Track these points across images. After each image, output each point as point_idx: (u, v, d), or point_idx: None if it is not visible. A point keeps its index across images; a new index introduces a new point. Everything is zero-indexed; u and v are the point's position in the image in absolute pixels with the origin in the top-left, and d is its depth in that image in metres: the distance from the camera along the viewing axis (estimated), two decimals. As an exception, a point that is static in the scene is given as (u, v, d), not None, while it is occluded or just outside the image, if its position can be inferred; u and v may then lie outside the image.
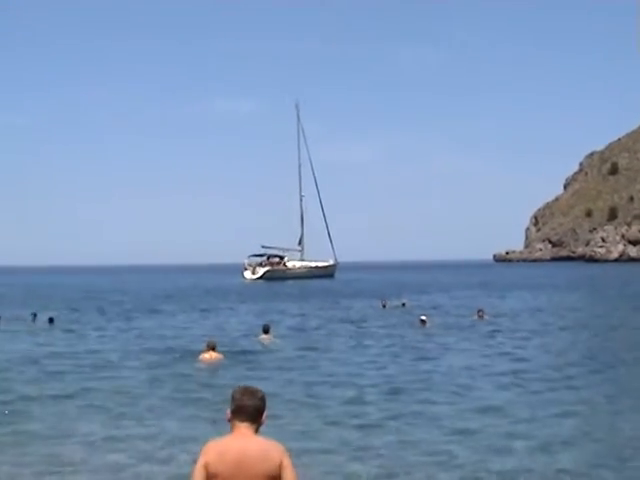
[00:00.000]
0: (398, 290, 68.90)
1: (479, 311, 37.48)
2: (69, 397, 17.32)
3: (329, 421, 14.73)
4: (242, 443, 5.52)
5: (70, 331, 33.35)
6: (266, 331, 28.48)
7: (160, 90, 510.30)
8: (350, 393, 17.57)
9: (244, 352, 24.96)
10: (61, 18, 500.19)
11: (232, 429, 5.63)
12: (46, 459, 12.16)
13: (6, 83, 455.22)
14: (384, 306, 45.93)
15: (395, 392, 17.88)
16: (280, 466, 5.50)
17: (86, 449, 12.76)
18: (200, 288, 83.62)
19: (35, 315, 37.92)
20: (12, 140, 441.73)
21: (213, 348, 22.24)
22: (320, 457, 12.08)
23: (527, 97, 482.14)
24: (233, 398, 5.67)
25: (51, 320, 35.81)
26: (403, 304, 45.76)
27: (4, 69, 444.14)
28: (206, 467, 5.48)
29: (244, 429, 5.59)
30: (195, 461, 5.51)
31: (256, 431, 5.63)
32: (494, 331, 31.79)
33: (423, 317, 34.01)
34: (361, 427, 14.24)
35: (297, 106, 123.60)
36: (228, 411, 5.64)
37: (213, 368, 21.46)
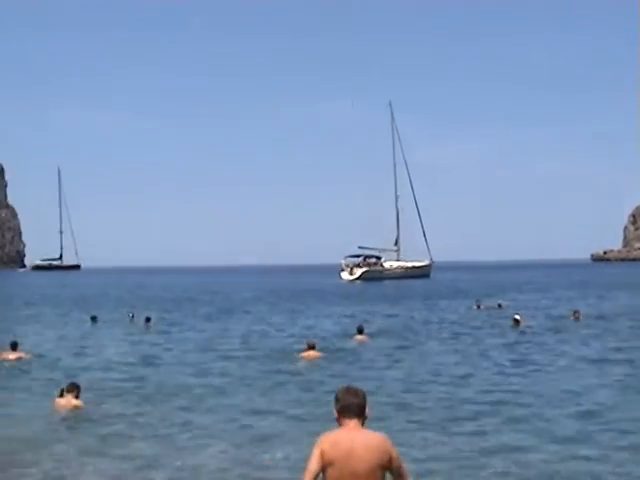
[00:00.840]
0: (494, 290, 68.38)
1: (575, 312, 36.95)
2: (173, 394, 17.71)
3: (421, 422, 14.58)
4: (353, 435, 6.05)
5: (166, 332, 33.71)
6: (360, 331, 29.13)
7: (260, 92, 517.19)
8: (441, 394, 17.55)
9: (340, 351, 25.61)
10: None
11: (341, 426, 6.18)
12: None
13: (138, 89, 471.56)
14: (479, 307, 45.56)
15: (491, 393, 17.76)
16: (390, 457, 6.08)
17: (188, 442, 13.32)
18: (298, 289, 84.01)
19: (133, 315, 38.70)
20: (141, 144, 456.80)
21: (313, 347, 23.21)
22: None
23: (623, 94, 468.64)
24: (337, 398, 6.24)
25: (148, 320, 36.27)
26: (499, 305, 45.13)
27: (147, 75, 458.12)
28: (322, 455, 6.00)
29: (352, 424, 6.11)
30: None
31: (362, 425, 6.15)
32: (591, 333, 31.00)
33: (517, 316, 33.70)
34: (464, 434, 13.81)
35: (391, 105, 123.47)
36: (334, 411, 6.23)
37: (313, 366, 22.07)
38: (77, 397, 15.51)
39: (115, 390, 18.50)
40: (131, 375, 21.02)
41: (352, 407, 6.17)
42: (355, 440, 6.01)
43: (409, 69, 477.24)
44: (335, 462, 5.98)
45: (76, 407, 15.33)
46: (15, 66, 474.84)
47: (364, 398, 6.26)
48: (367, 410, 6.24)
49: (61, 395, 15.51)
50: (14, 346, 23.54)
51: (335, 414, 6.24)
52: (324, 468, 6.01)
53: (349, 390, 6.30)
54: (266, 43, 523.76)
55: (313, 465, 6.01)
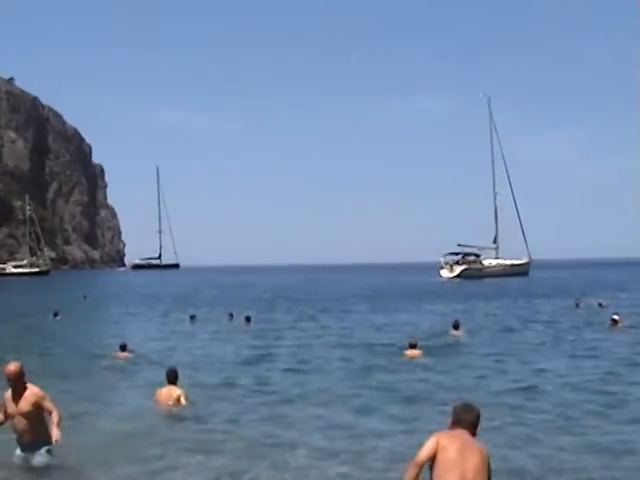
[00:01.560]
0: (594, 288, 67.14)
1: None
2: (288, 402, 16.90)
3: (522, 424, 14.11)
4: (465, 436, 6.67)
5: (266, 331, 33.47)
6: (456, 327, 29.68)
7: (355, 89, 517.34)
8: (551, 396, 17.13)
9: (438, 347, 25.79)
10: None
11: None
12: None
13: (228, 92, 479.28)
14: (577, 305, 44.73)
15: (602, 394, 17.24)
16: (488, 465, 6.64)
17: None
18: (398, 287, 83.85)
19: (232, 315, 38.73)
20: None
21: (414, 346, 23.52)
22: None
23: None
24: (454, 411, 6.87)
25: (248, 319, 36.42)
26: (599, 304, 43.96)
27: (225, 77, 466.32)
28: (438, 441, 6.57)
29: (464, 431, 6.75)
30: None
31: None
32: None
33: (615, 316, 32.83)
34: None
35: (489, 101, 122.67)
36: (450, 421, 6.84)
37: (415, 363, 22.29)
38: (175, 384, 15.50)
39: (219, 388, 18.61)
40: (232, 374, 20.99)
41: (464, 422, 6.77)
42: (466, 441, 6.62)
43: (506, 65, 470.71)
44: (448, 451, 6.46)
45: (178, 396, 15.28)
46: (117, 73, 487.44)
47: (477, 417, 6.91)
48: (478, 427, 6.85)
49: (170, 381, 15.52)
50: (123, 348, 24.28)
51: (449, 424, 6.84)
52: (433, 457, 6.49)
53: (466, 407, 6.92)
54: (358, 39, 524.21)
55: (423, 452, 6.54)
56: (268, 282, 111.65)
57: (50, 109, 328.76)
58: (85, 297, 61.40)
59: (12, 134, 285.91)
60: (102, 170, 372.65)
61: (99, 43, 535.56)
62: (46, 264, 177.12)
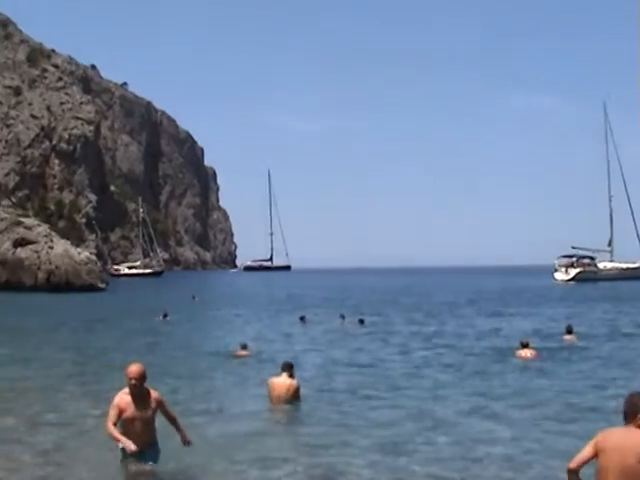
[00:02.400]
0: None
1: None
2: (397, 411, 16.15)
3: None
4: (628, 434, 6.56)
5: (376, 333, 32.98)
6: (570, 331, 29.02)
7: (457, 87, 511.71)
8: None
9: (551, 350, 25.30)
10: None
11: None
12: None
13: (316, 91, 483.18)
14: None
15: None
16: None
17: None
18: (511, 289, 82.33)
19: (343, 316, 38.35)
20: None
21: (526, 346, 23.48)
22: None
23: None
24: (625, 400, 6.84)
25: (361, 321, 36.16)
26: None
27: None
28: (595, 444, 6.59)
29: (632, 426, 6.63)
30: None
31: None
32: None
33: None
34: None
35: (605, 104, 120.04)
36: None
37: (528, 364, 22.18)
38: (292, 376, 15.62)
39: (333, 389, 18.50)
40: (345, 375, 20.92)
41: (633, 409, 6.72)
42: (625, 437, 6.56)
43: (620, 66, 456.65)
44: (606, 450, 6.52)
45: (293, 388, 15.40)
46: (228, 76, 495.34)
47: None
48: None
49: (286, 372, 15.59)
50: (244, 346, 24.73)
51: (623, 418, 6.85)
52: (595, 456, 6.61)
53: (633, 394, 6.89)
54: (472, 37, 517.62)
55: (584, 452, 6.67)
56: (377, 284, 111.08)
57: (163, 113, 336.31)
58: (194, 298, 61.73)
59: (126, 138, 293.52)
60: (214, 173, 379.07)
61: (210, 47, 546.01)
62: (159, 265, 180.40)
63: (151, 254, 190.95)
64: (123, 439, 8.94)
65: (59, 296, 64.78)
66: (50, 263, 75.86)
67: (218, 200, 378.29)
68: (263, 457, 11.71)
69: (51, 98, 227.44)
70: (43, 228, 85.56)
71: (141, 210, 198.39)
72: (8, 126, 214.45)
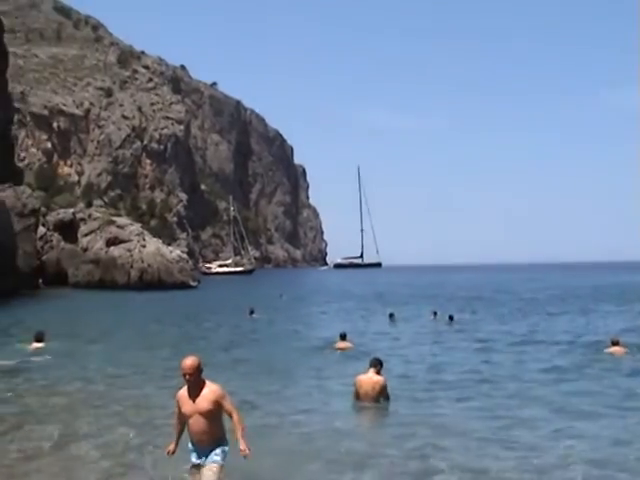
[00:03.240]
0: None
1: None
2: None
3: None
4: None
5: (467, 331, 32.18)
6: None
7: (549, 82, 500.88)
8: None
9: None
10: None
11: None
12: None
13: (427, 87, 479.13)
14: None
15: None
16: None
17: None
18: (609, 287, 79.67)
19: (436, 313, 38.00)
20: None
21: (616, 343, 23.35)
22: None
23: None
24: None
25: (451, 318, 35.84)
26: None
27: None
28: None
29: None
30: None
31: None
32: None
33: None
34: None
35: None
36: None
37: (618, 359, 22.02)
38: (379, 373, 15.23)
39: (427, 386, 17.95)
40: (439, 372, 20.40)
41: None
42: None
43: None
44: None
45: (377, 383, 15.00)
46: (318, 74, 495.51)
47: None
48: None
49: (373, 368, 15.22)
50: (343, 337, 24.91)
51: None
52: None
53: None
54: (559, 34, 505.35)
55: None
56: (468, 281, 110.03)
57: (252, 112, 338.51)
58: (281, 296, 61.02)
59: (216, 137, 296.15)
60: (304, 171, 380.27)
61: (299, 45, 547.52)
62: (250, 263, 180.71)
63: (242, 252, 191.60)
64: (173, 441, 8.97)
65: (151, 294, 65.10)
66: (142, 261, 76.07)
67: (308, 198, 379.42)
68: (347, 458, 11.28)
69: (142, 99, 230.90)
70: (135, 227, 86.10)
71: (232, 208, 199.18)
72: (100, 127, 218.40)
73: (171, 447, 8.99)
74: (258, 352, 24.85)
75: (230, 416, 8.68)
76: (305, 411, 14.83)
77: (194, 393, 8.59)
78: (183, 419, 8.78)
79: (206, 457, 8.66)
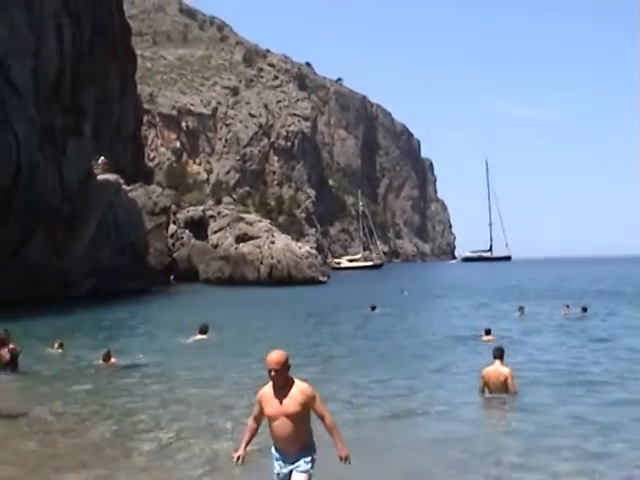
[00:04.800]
0: None
1: None
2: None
3: None
4: None
5: (601, 326, 30.76)
6: None
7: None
8: None
9: None
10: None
11: None
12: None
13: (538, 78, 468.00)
14: None
15: None
16: None
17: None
18: None
19: (568, 306, 36.09)
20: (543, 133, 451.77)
21: None
22: None
23: None
24: None
25: (584, 310, 34.71)
26: None
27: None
28: None
29: None
30: None
31: None
32: None
33: None
34: None
35: None
36: None
37: None
38: (501, 360, 15.14)
39: (565, 382, 17.12)
40: (575, 368, 19.34)
41: None
42: None
43: None
44: None
45: (506, 377, 14.86)
46: (444, 67, 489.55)
47: None
48: None
49: (498, 359, 15.15)
50: (488, 332, 25.01)
51: None
52: None
53: None
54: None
55: None
56: (602, 273, 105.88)
57: (378, 106, 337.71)
58: (403, 291, 59.74)
59: (343, 132, 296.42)
60: (431, 164, 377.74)
61: (425, 38, 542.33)
62: (379, 258, 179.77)
63: (371, 247, 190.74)
64: (241, 445, 7.93)
65: (282, 290, 65.04)
66: (272, 257, 75.94)
67: (436, 191, 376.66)
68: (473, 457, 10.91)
69: (268, 96, 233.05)
70: (264, 223, 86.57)
71: (361, 203, 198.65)
72: (227, 125, 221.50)
73: (241, 452, 7.88)
74: (381, 347, 24.57)
75: (321, 419, 7.70)
76: (437, 407, 14.52)
77: (280, 392, 7.68)
78: (259, 421, 7.95)
79: (292, 465, 7.72)
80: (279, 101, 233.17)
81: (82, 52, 59.55)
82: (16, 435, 12.38)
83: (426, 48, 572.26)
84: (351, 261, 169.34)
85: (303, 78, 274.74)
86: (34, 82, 49.64)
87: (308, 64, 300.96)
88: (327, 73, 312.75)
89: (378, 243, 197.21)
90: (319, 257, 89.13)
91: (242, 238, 79.62)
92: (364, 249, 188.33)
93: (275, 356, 7.53)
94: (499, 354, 15.07)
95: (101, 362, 19.63)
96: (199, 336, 25.09)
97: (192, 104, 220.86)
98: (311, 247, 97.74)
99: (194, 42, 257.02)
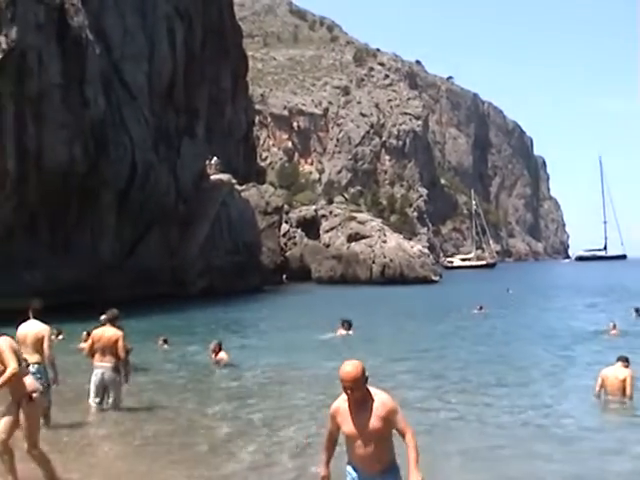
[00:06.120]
0: None
1: None
2: None
3: None
4: None
5: None
6: None
7: None
8: None
9: None
10: None
11: None
12: None
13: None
14: None
15: None
16: None
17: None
18: None
19: (637, 310, 34.46)
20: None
21: None
22: None
23: None
24: None
25: None
26: None
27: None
28: None
29: None
30: None
31: None
32: None
33: None
34: None
35: None
36: None
37: None
38: (627, 367, 14.58)
39: None
40: None
41: None
42: None
43: None
44: None
45: (620, 377, 14.30)
46: (565, 65, 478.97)
47: None
48: None
49: (620, 362, 14.59)
50: (614, 326, 25.74)
51: None
52: None
53: None
54: None
55: None
56: None
57: (490, 104, 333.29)
58: (508, 290, 58.73)
59: (454, 131, 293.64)
60: (543, 162, 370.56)
61: (535, 35, 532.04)
62: (492, 257, 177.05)
63: (483, 246, 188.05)
64: (321, 465, 7.04)
65: (395, 289, 64.60)
66: (384, 257, 75.66)
67: (549, 190, 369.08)
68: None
69: (379, 96, 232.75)
70: (376, 223, 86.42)
71: (474, 202, 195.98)
72: (339, 125, 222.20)
73: (325, 472, 6.98)
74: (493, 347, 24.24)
75: (402, 436, 6.62)
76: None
77: (359, 408, 6.64)
78: (334, 440, 6.98)
79: None
80: (390, 100, 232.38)
81: (194, 54, 60.41)
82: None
83: (537, 45, 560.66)
84: (464, 260, 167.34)
85: (414, 76, 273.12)
86: (148, 85, 50.57)
87: (418, 62, 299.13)
88: (438, 71, 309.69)
89: (491, 242, 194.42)
90: (431, 256, 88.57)
91: (354, 237, 79.60)
92: (476, 248, 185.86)
93: (350, 370, 6.48)
94: (623, 357, 14.71)
95: (212, 356, 19.57)
96: (342, 331, 25.52)
97: (303, 104, 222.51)
98: (423, 246, 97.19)
99: (304, 42, 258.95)
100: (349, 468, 6.81)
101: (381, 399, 6.65)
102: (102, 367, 13.27)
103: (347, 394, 6.56)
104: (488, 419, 13.19)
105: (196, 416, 13.44)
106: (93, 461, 10.50)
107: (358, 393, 6.54)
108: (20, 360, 7.96)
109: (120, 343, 13.22)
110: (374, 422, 6.57)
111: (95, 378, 13.37)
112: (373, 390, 6.63)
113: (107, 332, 13.41)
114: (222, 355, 19.36)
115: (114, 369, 13.20)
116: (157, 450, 11.03)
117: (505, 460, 10.47)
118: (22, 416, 8.23)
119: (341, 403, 6.74)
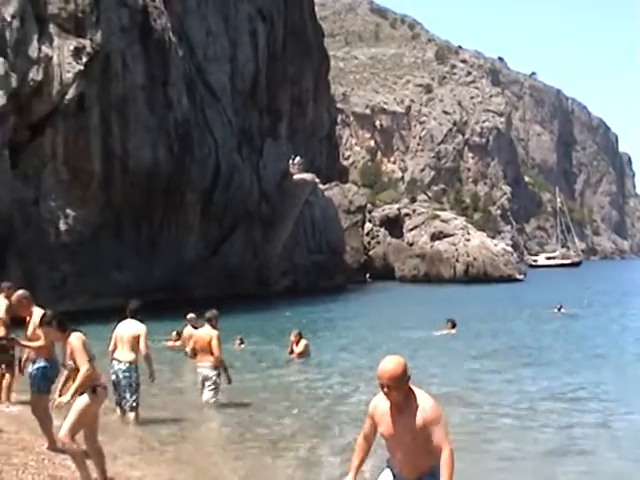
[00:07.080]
0: None
1: None
2: None
3: None
4: None
5: None
6: None
7: None
8: None
9: None
10: None
11: None
12: None
13: None
14: None
15: None
16: None
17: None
18: None
19: None
20: None
21: None
22: None
23: None
24: None
25: None
26: None
27: None
28: None
29: None
30: None
31: None
32: None
33: None
34: None
35: None
36: None
37: None
38: None
39: None
40: None
41: None
42: None
43: None
44: None
45: None
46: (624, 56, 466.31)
47: None
48: None
49: None
50: None
51: None
52: None
53: None
54: None
55: None
56: None
57: (574, 100, 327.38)
58: (588, 289, 57.44)
59: (537, 128, 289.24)
60: (629, 159, 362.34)
61: (619, 30, 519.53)
62: (577, 255, 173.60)
63: (568, 244, 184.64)
64: (351, 471, 6.24)
65: (480, 287, 64.23)
66: (467, 255, 75.08)
67: (634, 187, 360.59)
68: None
69: (461, 93, 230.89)
70: (459, 221, 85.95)
71: (558, 200, 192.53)
72: (421, 123, 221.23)
73: (351, 478, 6.24)
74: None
75: (439, 450, 5.84)
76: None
77: (399, 407, 5.98)
78: (371, 439, 6.27)
79: None
80: (472, 97, 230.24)
81: (276, 55, 60.73)
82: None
83: (621, 40, 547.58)
84: (548, 259, 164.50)
85: (496, 73, 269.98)
86: (231, 86, 51.00)
87: (501, 59, 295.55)
88: (520, 68, 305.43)
89: (576, 240, 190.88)
90: (515, 254, 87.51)
91: (437, 236, 79.11)
92: (561, 246, 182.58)
93: (389, 367, 5.86)
94: None
95: (292, 347, 19.74)
96: (448, 330, 26.37)
97: (385, 103, 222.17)
98: (507, 244, 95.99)
99: (386, 41, 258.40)
100: (388, 474, 6.28)
101: (424, 405, 5.97)
102: (202, 367, 13.72)
103: (384, 393, 5.96)
104: None
105: (260, 415, 13.41)
106: (185, 457, 10.51)
107: (395, 393, 5.92)
108: (91, 356, 7.98)
109: (214, 342, 13.50)
110: (412, 429, 5.94)
111: (198, 377, 13.92)
112: (418, 392, 5.99)
113: (203, 332, 13.88)
114: (302, 344, 19.64)
115: (213, 368, 13.60)
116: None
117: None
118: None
119: (382, 401, 6.13)
